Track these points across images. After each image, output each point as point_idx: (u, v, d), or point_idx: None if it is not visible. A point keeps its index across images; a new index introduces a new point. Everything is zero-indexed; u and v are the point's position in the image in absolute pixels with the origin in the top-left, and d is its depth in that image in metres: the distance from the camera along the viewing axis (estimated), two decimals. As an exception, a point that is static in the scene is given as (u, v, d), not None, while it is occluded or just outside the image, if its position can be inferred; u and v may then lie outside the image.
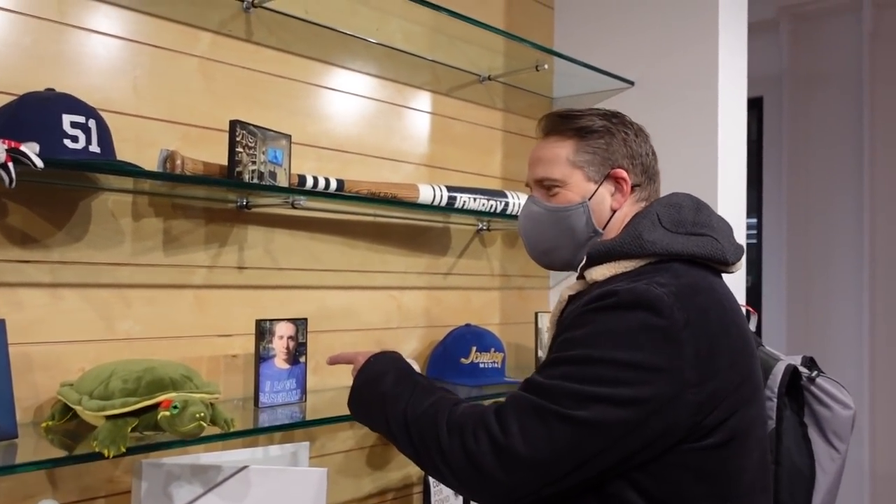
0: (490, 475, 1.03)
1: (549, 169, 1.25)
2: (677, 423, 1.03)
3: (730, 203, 2.13)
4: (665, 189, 1.31)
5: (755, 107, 3.79)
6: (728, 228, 1.23)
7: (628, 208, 1.24)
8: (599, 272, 1.16)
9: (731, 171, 2.15)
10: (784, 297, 3.59)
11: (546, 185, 1.26)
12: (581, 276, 1.21)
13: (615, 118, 1.26)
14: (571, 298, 1.21)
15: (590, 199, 1.23)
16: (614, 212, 1.23)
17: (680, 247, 1.14)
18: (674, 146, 2.17)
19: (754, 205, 3.86)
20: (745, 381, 1.10)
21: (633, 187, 1.24)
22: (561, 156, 1.24)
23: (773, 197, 3.77)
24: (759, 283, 3.87)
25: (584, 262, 1.20)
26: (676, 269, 1.12)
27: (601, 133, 1.23)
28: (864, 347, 3.28)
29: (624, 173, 1.23)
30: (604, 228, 1.24)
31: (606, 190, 1.23)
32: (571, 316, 1.12)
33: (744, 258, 1.26)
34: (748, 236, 2.25)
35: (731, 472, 1.08)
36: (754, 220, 3.94)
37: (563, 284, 2.40)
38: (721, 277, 1.21)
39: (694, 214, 1.19)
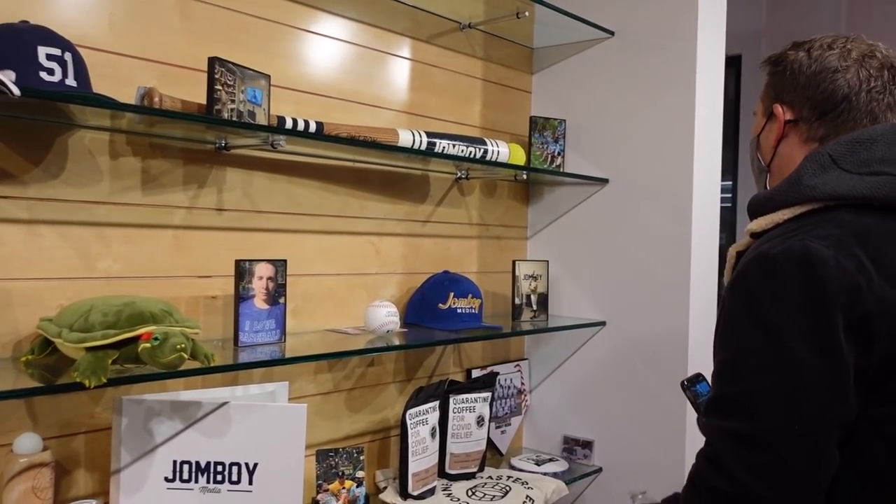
0: None
1: None
2: (864, 380, 0.96)
3: (705, 160, 2.15)
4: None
5: (733, 65, 3.81)
6: None
7: (793, 148, 1.15)
8: (758, 223, 1.10)
9: (707, 125, 2.17)
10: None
11: None
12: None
13: (805, 45, 1.16)
14: (740, 255, 1.13)
15: (759, 134, 1.22)
16: (776, 150, 1.18)
17: (846, 189, 1.02)
18: (652, 99, 2.19)
19: (730, 166, 3.89)
20: None
21: (789, 123, 1.15)
22: (761, 93, 1.24)
23: (749, 159, 3.80)
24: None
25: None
26: (841, 217, 1.01)
27: (778, 64, 1.18)
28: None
29: (780, 109, 1.16)
30: (768, 166, 1.20)
31: (772, 127, 1.18)
32: (729, 293, 1.03)
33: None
34: (723, 199, 2.27)
35: None
36: (729, 183, 3.98)
37: (543, 234, 2.43)
38: None
39: (888, 149, 1.04)
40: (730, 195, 3.98)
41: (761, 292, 0.98)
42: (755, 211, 1.13)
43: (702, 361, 2.15)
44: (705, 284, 2.17)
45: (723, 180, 2.25)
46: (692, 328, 2.11)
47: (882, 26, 3.33)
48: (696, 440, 1.84)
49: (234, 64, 1.47)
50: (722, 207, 2.25)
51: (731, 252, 1.17)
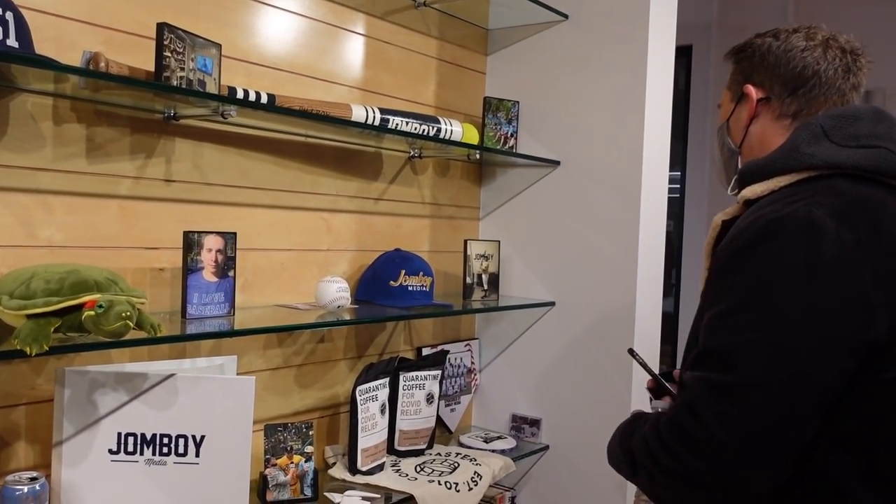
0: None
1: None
2: (875, 350, 0.97)
3: (654, 144, 2.19)
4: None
5: (684, 55, 3.87)
6: None
7: (765, 126, 1.19)
8: (752, 190, 1.11)
9: (657, 111, 2.20)
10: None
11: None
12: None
13: (769, 32, 1.21)
14: (725, 224, 1.15)
15: (728, 118, 1.25)
16: (748, 129, 1.21)
17: (844, 159, 1.05)
18: (604, 84, 2.21)
19: (679, 157, 3.96)
20: None
21: (762, 101, 1.19)
22: (727, 82, 1.28)
23: (698, 150, 3.87)
24: (681, 236, 4.00)
25: (735, 182, 1.17)
26: (839, 185, 1.04)
27: (745, 50, 1.23)
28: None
29: (751, 89, 1.20)
30: (740, 146, 1.23)
31: (743, 108, 1.22)
32: (725, 252, 1.05)
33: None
34: (671, 190, 2.31)
35: None
36: (678, 173, 4.05)
37: (495, 214, 2.45)
38: None
39: (872, 126, 1.08)
40: (678, 186, 4.05)
41: (761, 251, 0.99)
42: (750, 178, 1.13)
43: (648, 343, 2.20)
44: (652, 268, 2.21)
45: (672, 171, 2.29)
46: (639, 310, 2.16)
47: (827, 18, 3.42)
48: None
49: (183, 31, 1.44)
50: (670, 198, 2.29)
51: (717, 220, 1.19)
